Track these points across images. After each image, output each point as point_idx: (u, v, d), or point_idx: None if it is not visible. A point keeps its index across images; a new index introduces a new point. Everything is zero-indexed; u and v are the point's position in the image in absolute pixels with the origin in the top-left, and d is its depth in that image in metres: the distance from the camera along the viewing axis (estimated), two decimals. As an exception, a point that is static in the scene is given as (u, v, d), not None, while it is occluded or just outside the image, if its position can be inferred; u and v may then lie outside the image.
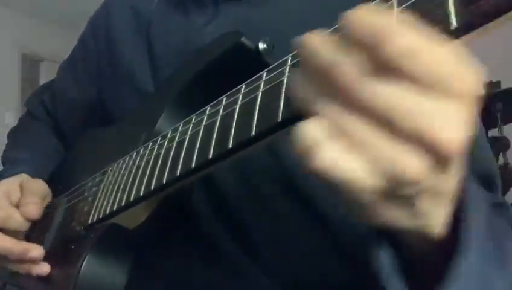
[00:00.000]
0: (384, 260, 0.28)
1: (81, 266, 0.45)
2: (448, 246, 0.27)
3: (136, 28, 0.61)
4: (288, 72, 0.30)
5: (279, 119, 0.29)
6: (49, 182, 0.63)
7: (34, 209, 0.56)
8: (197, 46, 0.52)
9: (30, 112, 0.78)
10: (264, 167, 0.48)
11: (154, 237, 0.48)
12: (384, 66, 0.20)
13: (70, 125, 0.72)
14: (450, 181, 0.24)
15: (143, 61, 0.58)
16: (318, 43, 0.22)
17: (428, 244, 0.27)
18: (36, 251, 0.53)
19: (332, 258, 0.49)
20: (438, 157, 0.20)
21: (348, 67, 0.21)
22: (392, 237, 0.28)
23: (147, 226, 0.46)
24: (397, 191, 0.21)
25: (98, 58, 0.65)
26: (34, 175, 0.62)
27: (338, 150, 0.21)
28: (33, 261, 0.53)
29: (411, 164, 0.20)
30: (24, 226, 0.56)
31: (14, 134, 0.78)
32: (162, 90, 0.53)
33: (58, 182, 0.61)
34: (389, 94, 0.20)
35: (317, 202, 0.48)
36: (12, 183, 0.60)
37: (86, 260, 0.45)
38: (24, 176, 0.61)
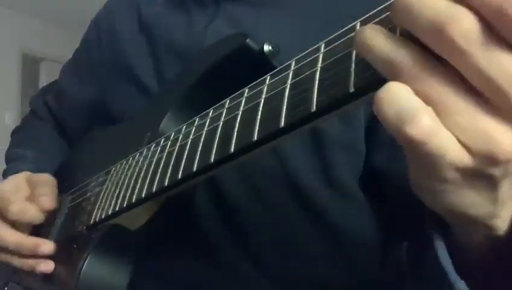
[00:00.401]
0: (441, 253, 0.28)
1: (82, 266, 0.45)
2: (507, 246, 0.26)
3: (138, 29, 0.61)
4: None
5: (282, 125, 0.29)
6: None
7: (49, 200, 0.56)
8: (198, 47, 0.51)
9: (34, 112, 0.78)
10: (267, 169, 0.48)
11: (155, 239, 0.48)
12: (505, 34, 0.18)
13: (73, 126, 0.72)
14: None
15: (146, 62, 0.57)
16: None
17: (483, 241, 0.26)
18: (47, 245, 0.52)
19: (334, 265, 0.49)
20: None
21: (469, 23, 0.18)
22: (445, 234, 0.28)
23: (149, 227, 0.46)
24: (484, 169, 0.21)
25: (101, 58, 0.65)
26: (37, 172, 0.62)
27: (435, 119, 0.20)
28: (43, 256, 0.52)
29: (504, 139, 0.19)
30: (39, 218, 0.55)
31: (17, 133, 0.78)
32: (167, 91, 0.53)
33: (62, 180, 0.61)
34: (506, 62, 0.18)
35: (320, 206, 0.48)
36: (18, 179, 0.60)
37: (87, 260, 0.45)
38: (27, 173, 0.61)
